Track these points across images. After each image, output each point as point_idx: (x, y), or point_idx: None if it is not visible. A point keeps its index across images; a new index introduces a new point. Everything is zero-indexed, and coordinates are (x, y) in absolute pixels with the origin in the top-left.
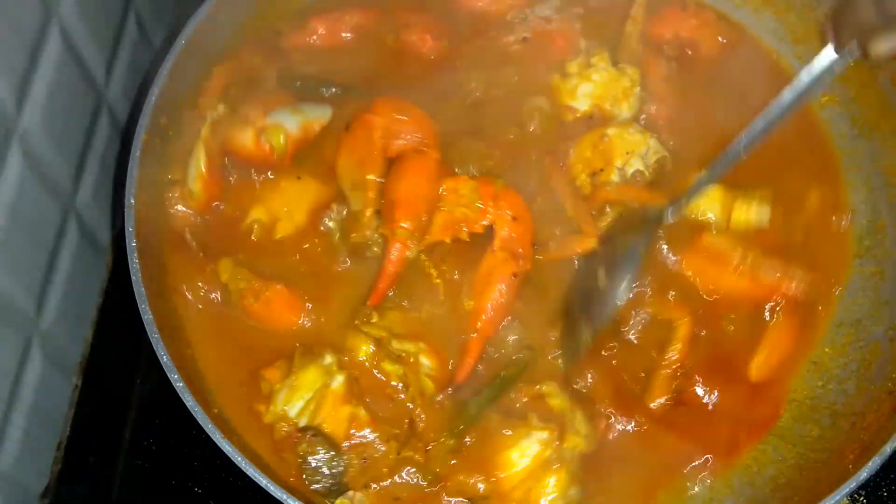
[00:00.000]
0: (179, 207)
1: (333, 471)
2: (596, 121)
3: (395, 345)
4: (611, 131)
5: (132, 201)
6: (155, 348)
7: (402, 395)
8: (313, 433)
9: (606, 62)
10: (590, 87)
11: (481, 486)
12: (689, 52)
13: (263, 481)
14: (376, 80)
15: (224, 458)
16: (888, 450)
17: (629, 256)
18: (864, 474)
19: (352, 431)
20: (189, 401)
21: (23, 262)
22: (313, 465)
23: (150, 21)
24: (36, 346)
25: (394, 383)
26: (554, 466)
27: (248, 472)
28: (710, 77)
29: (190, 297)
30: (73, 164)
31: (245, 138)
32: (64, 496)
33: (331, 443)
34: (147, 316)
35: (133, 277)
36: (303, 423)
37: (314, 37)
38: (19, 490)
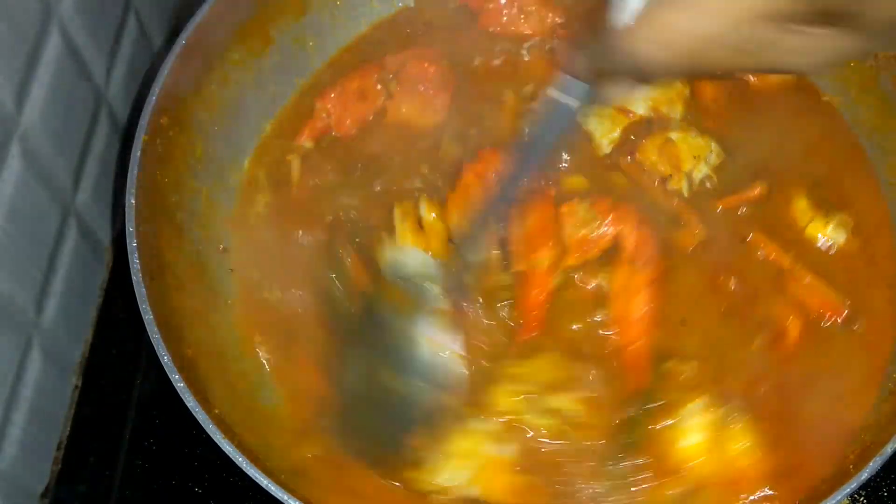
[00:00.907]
0: None
1: None
2: (654, 124)
3: (543, 398)
4: (674, 135)
5: (132, 201)
6: (155, 348)
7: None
8: None
9: None
10: (645, 88)
11: (673, 492)
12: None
13: (264, 481)
14: None
15: (224, 458)
16: (888, 450)
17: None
18: (864, 474)
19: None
20: (189, 401)
21: (23, 263)
22: None
23: (150, 21)
24: (36, 346)
25: (547, 440)
26: (726, 421)
27: (248, 472)
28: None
29: None
30: (73, 164)
31: None
32: (64, 496)
33: None
34: (147, 316)
35: (133, 277)
36: (460, 492)
37: None
38: (19, 490)
